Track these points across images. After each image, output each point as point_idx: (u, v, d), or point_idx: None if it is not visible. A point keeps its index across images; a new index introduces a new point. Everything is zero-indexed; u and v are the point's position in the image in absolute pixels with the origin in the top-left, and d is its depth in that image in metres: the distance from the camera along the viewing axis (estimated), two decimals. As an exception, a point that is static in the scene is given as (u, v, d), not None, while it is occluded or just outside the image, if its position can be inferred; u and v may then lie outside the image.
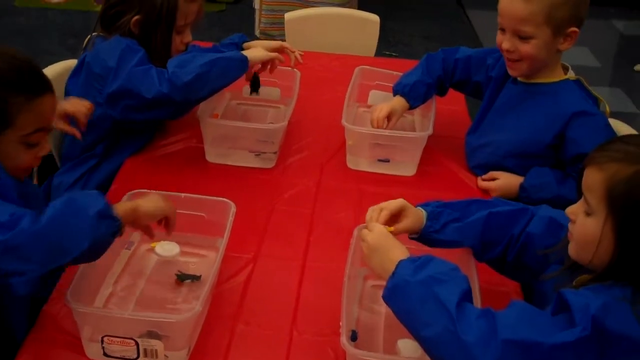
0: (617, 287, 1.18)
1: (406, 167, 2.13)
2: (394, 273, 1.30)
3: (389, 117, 2.13)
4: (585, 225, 1.25)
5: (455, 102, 2.46)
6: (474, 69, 2.17)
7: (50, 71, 2.21)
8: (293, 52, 2.28)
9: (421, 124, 2.32)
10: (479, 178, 2.07)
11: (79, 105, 1.93)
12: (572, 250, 1.31)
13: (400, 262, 1.31)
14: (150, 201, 1.52)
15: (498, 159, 2.02)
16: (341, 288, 1.46)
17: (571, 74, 1.97)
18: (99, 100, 1.97)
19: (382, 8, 5.46)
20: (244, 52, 2.05)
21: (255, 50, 2.09)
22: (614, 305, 1.15)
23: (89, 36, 2.12)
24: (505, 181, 2.00)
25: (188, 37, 2.10)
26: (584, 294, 1.18)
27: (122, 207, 1.41)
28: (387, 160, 2.13)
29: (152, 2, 1.99)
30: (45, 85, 1.50)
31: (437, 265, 1.29)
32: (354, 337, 1.48)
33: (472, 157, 2.13)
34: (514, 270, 1.57)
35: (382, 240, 1.40)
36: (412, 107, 2.20)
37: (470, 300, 1.26)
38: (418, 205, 1.55)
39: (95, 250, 1.34)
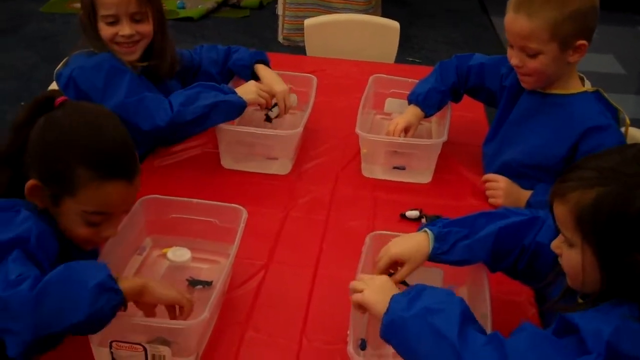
0: (626, 305, 1.16)
1: (421, 175, 2.12)
2: (387, 309, 1.28)
3: (406, 129, 2.13)
4: (570, 257, 1.24)
5: (473, 110, 2.45)
6: (487, 76, 2.16)
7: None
8: (285, 105, 2.25)
9: (438, 131, 2.31)
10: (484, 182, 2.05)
11: None
12: (569, 281, 1.29)
13: (393, 296, 1.29)
14: (161, 286, 1.41)
15: (513, 170, 2.00)
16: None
17: (588, 85, 1.95)
18: None
19: (406, 14, 5.47)
20: (238, 93, 2.07)
21: (248, 94, 2.08)
22: (626, 328, 1.12)
23: (74, 53, 2.11)
24: (506, 184, 1.98)
25: (125, 29, 2.02)
26: (592, 317, 1.16)
27: (129, 283, 1.33)
28: (403, 168, 2.12)
29: None
30: (120, 171, 1.41)
31: (431, 295, 1.28)
32: (363, 345, 1.47)
33: (488, 166, 2.11)
34: (526, 277, 1.55)
35: (383, 286, 1.37)
36: (427, 115, 2.19)
37: (471, 319, 1.25)
38: (424, 226, 1.55)
39: (93, 322, 1.27)
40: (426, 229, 1.53)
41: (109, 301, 1.26)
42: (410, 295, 1.29)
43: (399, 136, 2.12)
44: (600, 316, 1.15)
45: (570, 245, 1.24)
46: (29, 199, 1.41)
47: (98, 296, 1.24)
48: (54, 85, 2.16)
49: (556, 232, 1.29)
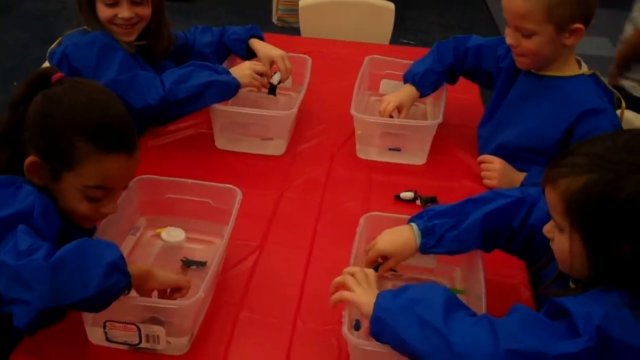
0: (616, 291, 1.17)
1: (416, 156, 2.11)
2: (374, 305, 1.29)
3: (398, 109, 2.12)
4: (560, 242, 1.25)
5: (468, 92, 2.44)
6: (485, 58, 2.15)
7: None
8: (286, 67, 2.26)
9: (433, 113, 2.30)
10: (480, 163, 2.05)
11: None
12: (560, 266, 1.30)
13: (380, 293, 1.31)
14: (163, 271, 1.44)
15: (509, 152, 1.99)
16: (346, 277, 1.45)
17: (585, 68, 1.94)
18: None
19: (400, -4, 5.44)
20: (233, 73, 2.05)
21: (242, 77, 2.06)
22: (616, 314, 1.13)
23: (68, 32, 2.09)
24: (501, 166, 1.98)
25: (124, 12, 2.00)
26: (583, 302, 1.16)
27: (135, 268, 1.34)
28: (399, 149, 2.11)
29: None
30: (120, 145, 1.41)
31: (415, 288, 1.29)
32: (357, 326, 1.47)
33: (483, 148, 2.11)
34: (521, 255, 1.56)
35: (367, 280, 1.39)
36: (422, 95, 2.18)
37: (458, 305, 1.26)
38: (409, 220, 1.54)
39: (99, 300, 1.28)
40: (412, 223, 1.53)
41: (119, 282, 1.27)
42: (395, 291, 1.31)
43: (391, 116, 2.11)
44: (591, 302, 1.16)
45: (561, 230, 1.24)
46: (28, 176, 1.40)
47: (110, 274, 1.25)
48: (47, 65, 2.14)
49: (548, 216, 1.29)
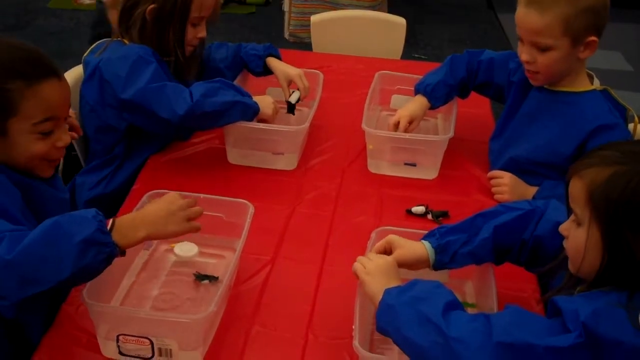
0: (614, 293, 1.17)
1: (428, 171, 2.12)
2: (380, 301, 1.31)
3: (410, 122, 2.13)
4: (576, 237, 1.25)
5: (479, 106, 2.44)
6: (496, 72, 2.15)
7: (77, 72, 2.24)
8: (304, 85, 2.29)
9: (444, 127, 2.31)
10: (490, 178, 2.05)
11: None
12: (570, 265, 1.30)
13: (386, 289, 1.32)
14: (165, 229, 1.42)
15: (520, 166, 1.99)
16: (358, 291, 1.46)
17: (596, 83, 1.94)
18: (114, 104, 2.00)
19: (412, 11, 5.47)
20: (256, 101, 2.08)
21: (265, 107, 2.10)
22: (607, 311, 1.13)
23: (101, 40, 2.14)
24: (511, 180, 1.98)
25: (203, 32, 2.12)
26: (575, 300, 1.18)
27: (131, 237, 1.34)
28: (414, 164, 2.12)
29: None
30: (46, 70, 1.44)
31: (421, 286, 1.31)
32: None
33: (495, 162, 2.11)
34: (529, 266, 1.56)
35: (382, 268, 1.41)
36: (433, 107, 2.19)
37: (458, 307, 1.27)
38: (422, 238, 1.54)
39: (83, 276, 1.29)
40: (424, 242, 1.53)
41: (97, 255, 1.27)
42: (401, 287, 1.32)
43: (404, 129, 2.12)
44: (583, 300, 1.17)
45: (579, 224, 1.24)
46: None
47: (85, 252, 1.25)
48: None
49: (567, 214, 1.30)
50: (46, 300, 1.37)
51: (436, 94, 2.17)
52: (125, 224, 1.35)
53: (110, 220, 1.33)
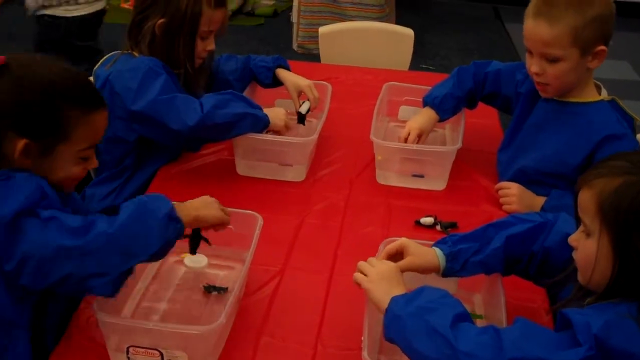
0: (625, 304, 1.17)
1: (436, 182, 2.12)
2: (386, 309, 1.31)
3: (419, 135, 2.14)
4: (586, 247, 1.25)
5: (487, 116, 2.45)
6: (504, 83, 2.16)
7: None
8: (314, 96, 2.31)
9: (452, 138, 2.32)
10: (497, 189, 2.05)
11: None
12: (580, 276, 1.30)
13: (393, 298, 1.32)
14: (210, 212, 1.56)
15: (528, 177, 2.00)
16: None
17: (604, 93, 1.95)
18: (123, 116, 2.01)
19: (420, 21, 5.48)
20: (267, 114, 2.08)
21: (277, 119, 2.10)
22: (618, 323, 1.14)
23: (111, 53, 2.15)
24: (518, 190, 1.98)
25: (211, 45, 2.13)
26: (586, 312, 1.18)
27: (185, 214, 1.45)
28: (422, 176, 2.12)
29: (177, 6, 2.02)
30: (99, 100, 1.49)
31: (428, 295, 1.30)
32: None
33: (503, 173, 2.11)
34: (537, 279, 1.56)
35: (385, 274, 1.41)
36: (441, 119, 2.20)
37: (467, 321, 1.26)
38: (433, 245, 1.55)
39: (162, 252, 1.41)
40: (436, 248, 1.53)
41: (174, 230, 1.40)
42: (408, 296, 1.32)
43: (413, 142, 2.13)
44: (594, 312, 1.17)
45: (588, 235, 1.24)
46: (20, 163, 1.41)
47: (167, 226, 1.38)
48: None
49: (576, 225, 1.30)
50: (63, 303, 1.48)
51: (444, 107, 2.18)
52: (179, 207, 1.45)
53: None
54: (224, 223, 1.59)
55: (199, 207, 1.54)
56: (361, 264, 1.46)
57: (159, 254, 1.40)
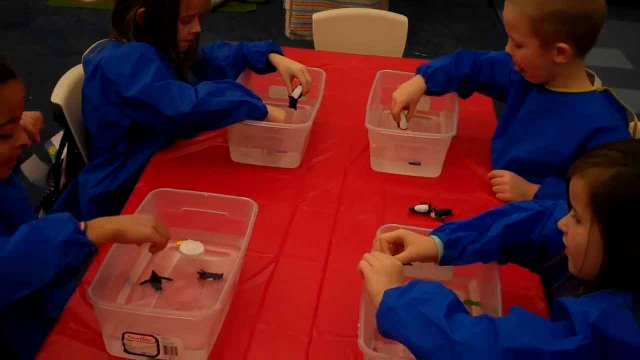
0: (620, 294, 1.18)
1: (430, 169, 2.12)
2: (380, 302, 1.31)
3: (405, 107, 2.15)
4: (576, 234, 1.26)
5: (481, 104, 2.45)
6: (498, 70, 2.17)
7: (78, 70, 2.25)
8: (307, 80, 2.29)
9: (446, 125, 2.31)
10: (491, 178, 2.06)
11: (26, 117, 1.84)
12: (570, 265, 1.31)
13: (386, 291, 1.32)
14: (134, 226, 1.45)
15: (521, 166, 2.00)
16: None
17: (597, 83, 1.94)
18: (117, 101, 2.01)
19: (413, 9, 5.47)
20: (267, 107, 2.08)
21: (277, 113, 2.10)
22: (615, 313, 1.14)
23: (99, 41, 2.14)
24: (511, 178, 1.99)
25: (196, 27, 2.12)
26: (583, 302, 1.18)
27: (101, 230, 1.37)
28: (418, 163, 2.12)
29: None
30: (5, 73, 1.42)
31: (421, 286, 1.31)
32: None
33: (496, 161, 2.11)
34: (534, 267, 1.56)
35: (388, 268, 1.41)
36: (428, 90, 2.19)
37: (461, 311, 1.27)
38: (431, 233, 1.55)
39: (62, 277, 1.31)
40: (434, 236, 1.53)
41: (77, 255, 1.30)
42: (401, 289, 1.32)
43: (399, 114, 2.14)
44: (591, 302, 1.17)
45: (578, 221, 1.25)
46: None
47: (65, 252, 1.28)
48: (63, 79, 2.18)
49: (567, 209, 1.30)
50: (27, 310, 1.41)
51: (434, 78, 2.18)
52: (97, 222, 1.39)
53: (83, 222, 1.37)
54: (156, 243, 1.50)
55: (125, 222, 1.44)
56: (368, 255, 1.46)
57: (57, 280, 1.31)
